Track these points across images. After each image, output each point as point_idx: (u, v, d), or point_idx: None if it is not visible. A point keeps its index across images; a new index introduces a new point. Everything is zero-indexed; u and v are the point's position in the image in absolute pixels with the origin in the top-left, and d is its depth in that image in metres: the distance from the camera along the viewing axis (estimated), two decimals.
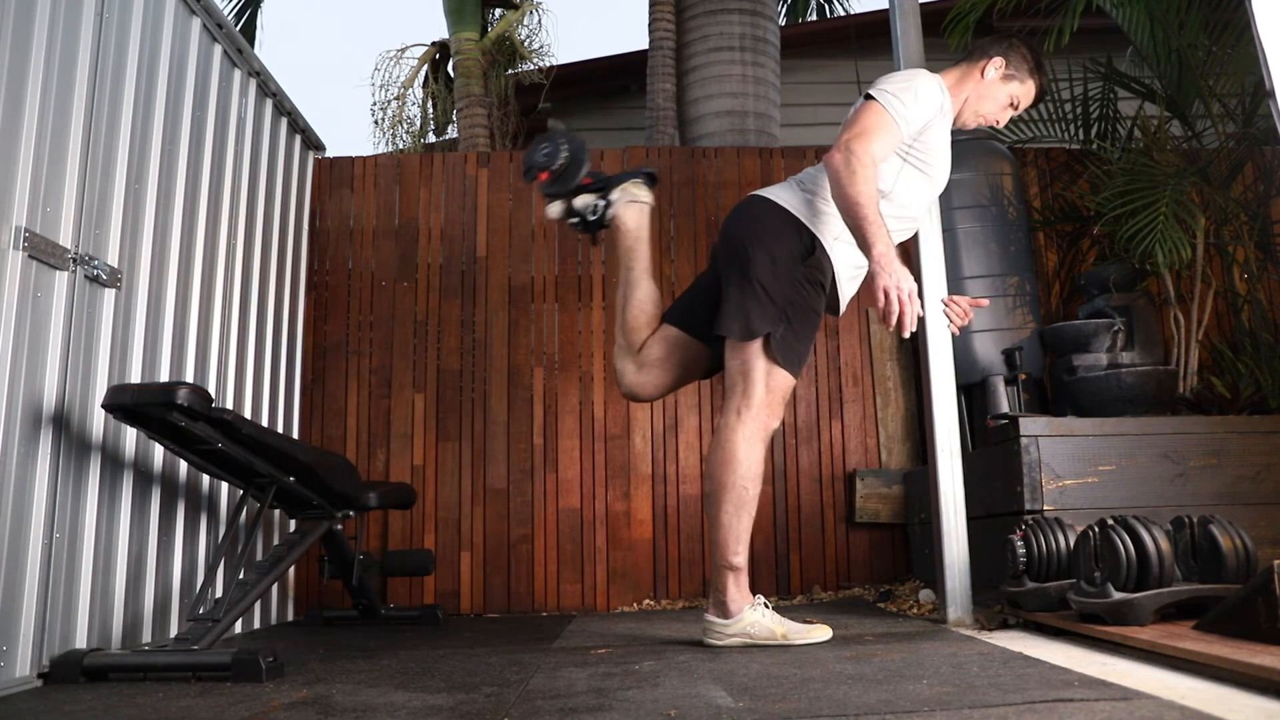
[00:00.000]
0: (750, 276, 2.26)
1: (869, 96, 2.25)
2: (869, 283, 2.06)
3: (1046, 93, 2.56)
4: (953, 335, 2.60)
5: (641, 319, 2.46)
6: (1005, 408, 3.25)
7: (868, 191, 2.08)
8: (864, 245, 2.07)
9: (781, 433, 3.63)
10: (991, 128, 2.53)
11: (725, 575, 2.24)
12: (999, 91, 2.44)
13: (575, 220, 2.49)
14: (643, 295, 2.47)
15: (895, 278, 2.01)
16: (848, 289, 2.41)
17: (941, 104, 2.33)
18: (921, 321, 2.63)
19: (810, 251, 2.29)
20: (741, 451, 2.22)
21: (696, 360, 2.46)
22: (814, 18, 7.42)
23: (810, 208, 2.32)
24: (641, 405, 3.63)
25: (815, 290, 2.30)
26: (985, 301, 2.59)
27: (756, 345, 2.24)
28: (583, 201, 2.47)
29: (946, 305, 2.54)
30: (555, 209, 2.49)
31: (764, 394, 2.24)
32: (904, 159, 2.30)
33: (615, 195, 2.47)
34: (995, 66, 2.42)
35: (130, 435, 2.43)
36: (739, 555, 2.24)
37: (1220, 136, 3.39)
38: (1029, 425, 2.60)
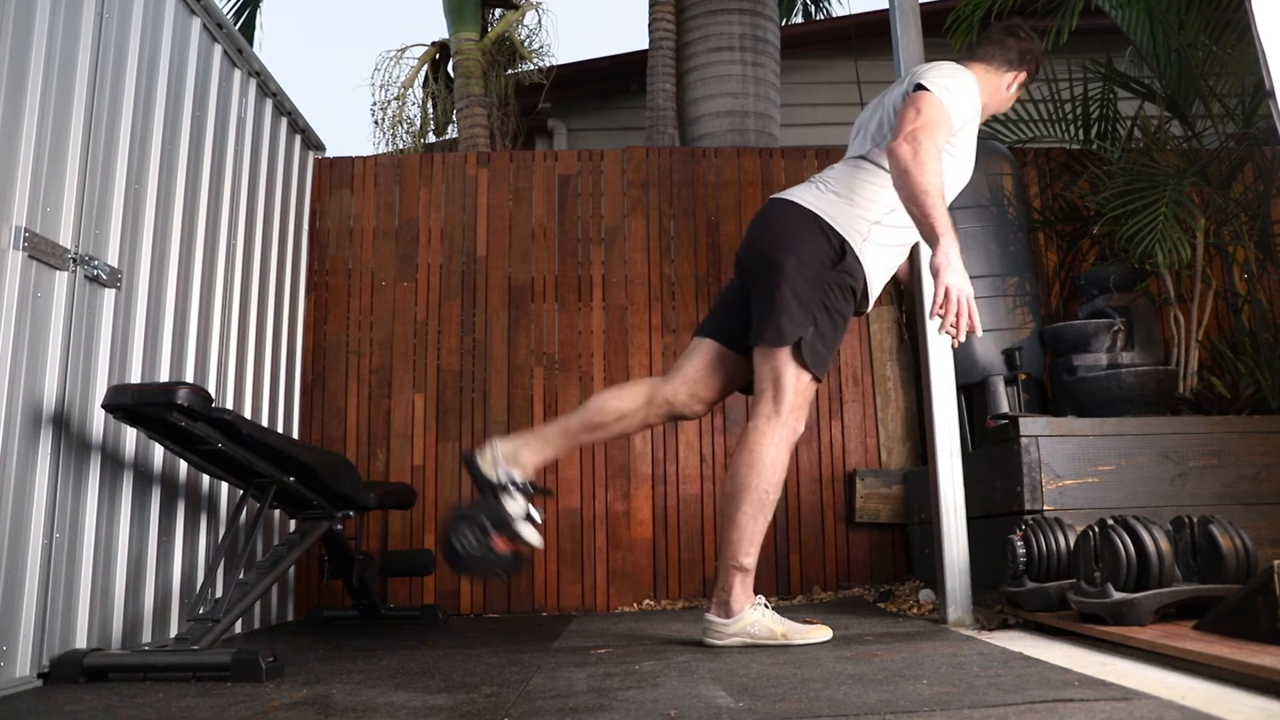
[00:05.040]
0: (781, 282, 2.24)
1: (920, 87, 2.23)
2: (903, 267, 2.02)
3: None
4: (953, 348, 2.59)
5: (626, 397, 2.40)
6: (1005, 408, 3.25)
7: (937, 183, 2.06)
8: (931, 236, 2.05)
9: None
10: (991, 127, 2.55)
11: (733, 575, 2.24)
12: (1013, 96, 2.54)
13: (538, 514, 2.33)
14: (615, 405, 2.39)
15: (959, 277, 1.99)
16: (876, 289, 2.40)
17: (976, 106, 2.35)
18: (922, 321, 2.64)
19: (841, 256, 2.27)
20: (768, 456, 2.22)
21: (734, 372, 2.44)
22: (799, 19, 7.39)
23: (837, 209, 2.30)
24: None
25: (845, 295, 2.28)
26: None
27: (787, 350, 2.23)
28: (518, 509, 2.28)
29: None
30: (535, 538, 2.29)
31: (794, 398, 2.24)
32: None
33: (504, 478, 2.29)
34: (1020, 82, 2.51)
35: (130, 435, 2.43)
36: (750, 557, 2.24)
37: (1220, 136, 3.39)
38: (1029, 425, 2.60)
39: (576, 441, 2.42)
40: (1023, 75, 2.49)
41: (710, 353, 2.44)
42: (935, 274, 2.01)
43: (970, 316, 2.00)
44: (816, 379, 2.26)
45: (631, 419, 2.41)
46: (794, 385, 2.23)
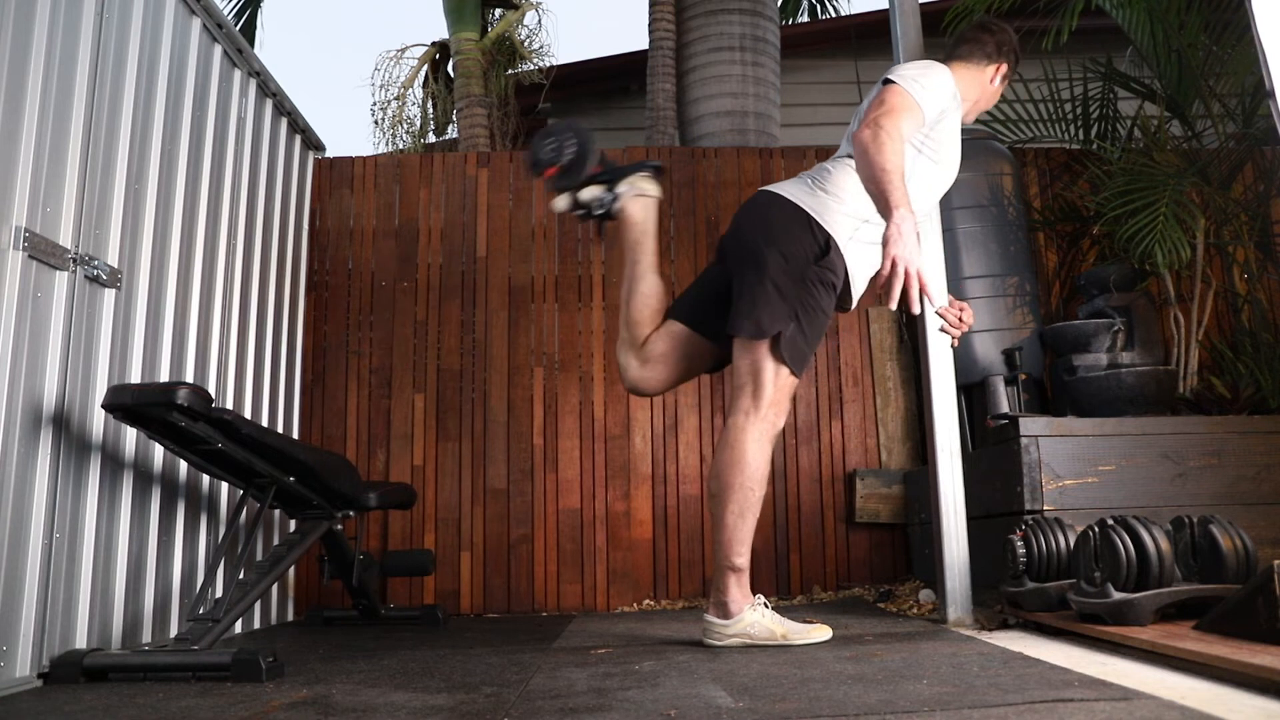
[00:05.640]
0: (763, 275, 2.24)
1: (888, 81, 2.24)
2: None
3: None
4: (952, 348, 2.59)
5: (645, 313, 2.44)
6: (1005, 408, 3.25)
7: (896, 161, 2.04)
8: (885, 209, 2.01)
9: (781, 433, 3.61)
10: (991, 127, 2.54)
11: (727, 576, 2.24)
12: (1000, 89, 2.54)
13: (581, 212, 2.45)
14: (647, 289, 2.44)
15: (909, 249, 1.93)
16: (860, 287, 2.40)
17: (954, 94, 2.35)
18: (922, 321, 2.63)
19: (825, 252, 2.27)
20: (750, 453, 2.22)
21: (701, 356, 2.45)
22: (805, 18, 7.40)
23: (824, 206, 2.30)
24: (641, 405, 3.63)
25: (826, 291, 2.28)
26: (970, 317, 2.52)
27: (765, 344, 2.23)
28: (589, 194, 2.42)
29: (940, 314, 2.51)
30: (562, 202, 2.43)
31: (773, 394, 2.24)
32: (919, 149, 2.30)
33: (622, 188, 2.42)
34: (1002, 75, 2.51)
35: (130, 435, 2.43)
36: (742, 556, 2.24)
37: (1220, 136, 3.39)
38: (1029, 425, 2.60)
39: (627, 249, 2.48)
40: (1004, 67, 2.50)
41: (677, 337, 2.44)
42: (884, 245, 1.97)
43: (922, 288, 1.93)
44: (797, 375, 2.26)
45: (628, 307, 2.45)
46: (773, 380, 2.23)
